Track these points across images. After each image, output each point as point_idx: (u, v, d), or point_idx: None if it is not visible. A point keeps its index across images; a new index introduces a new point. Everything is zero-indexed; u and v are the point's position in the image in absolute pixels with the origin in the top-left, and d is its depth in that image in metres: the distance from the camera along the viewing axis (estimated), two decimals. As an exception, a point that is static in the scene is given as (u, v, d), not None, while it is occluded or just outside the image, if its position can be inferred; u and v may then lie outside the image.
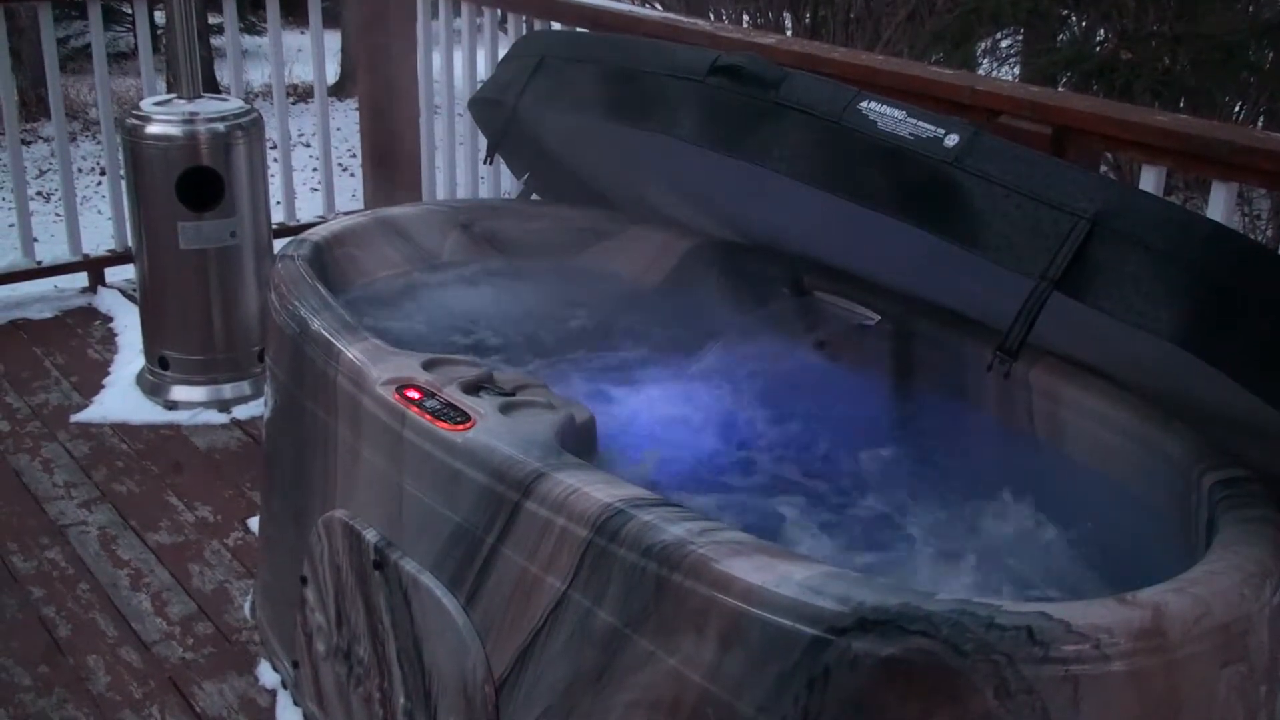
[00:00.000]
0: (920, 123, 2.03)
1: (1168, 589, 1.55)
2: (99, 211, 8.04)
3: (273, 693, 2.62)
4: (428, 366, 2.12)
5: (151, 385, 3.87)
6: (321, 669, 2.34)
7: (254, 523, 3.18)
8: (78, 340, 4.29)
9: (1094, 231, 1.83)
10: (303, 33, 6.49)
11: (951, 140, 1.99)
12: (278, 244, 3.65)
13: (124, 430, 3.69)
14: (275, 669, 2.64)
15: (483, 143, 3.07)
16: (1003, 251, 1.90)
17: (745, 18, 8.48)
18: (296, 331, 2.32)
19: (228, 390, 3.85)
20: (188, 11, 3.67)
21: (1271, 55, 7.30)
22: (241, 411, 3.79)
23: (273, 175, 4.17)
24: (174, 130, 3.64)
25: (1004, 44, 8.91)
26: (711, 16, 8.28)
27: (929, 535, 2.04)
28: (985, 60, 8.76)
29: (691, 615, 1.61)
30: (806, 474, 2.25)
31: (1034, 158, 1.98)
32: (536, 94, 2.65)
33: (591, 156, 2.91)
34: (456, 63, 4.54)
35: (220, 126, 3.67)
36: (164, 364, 3.84)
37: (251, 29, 12.37)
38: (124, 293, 4.60)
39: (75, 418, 3.75)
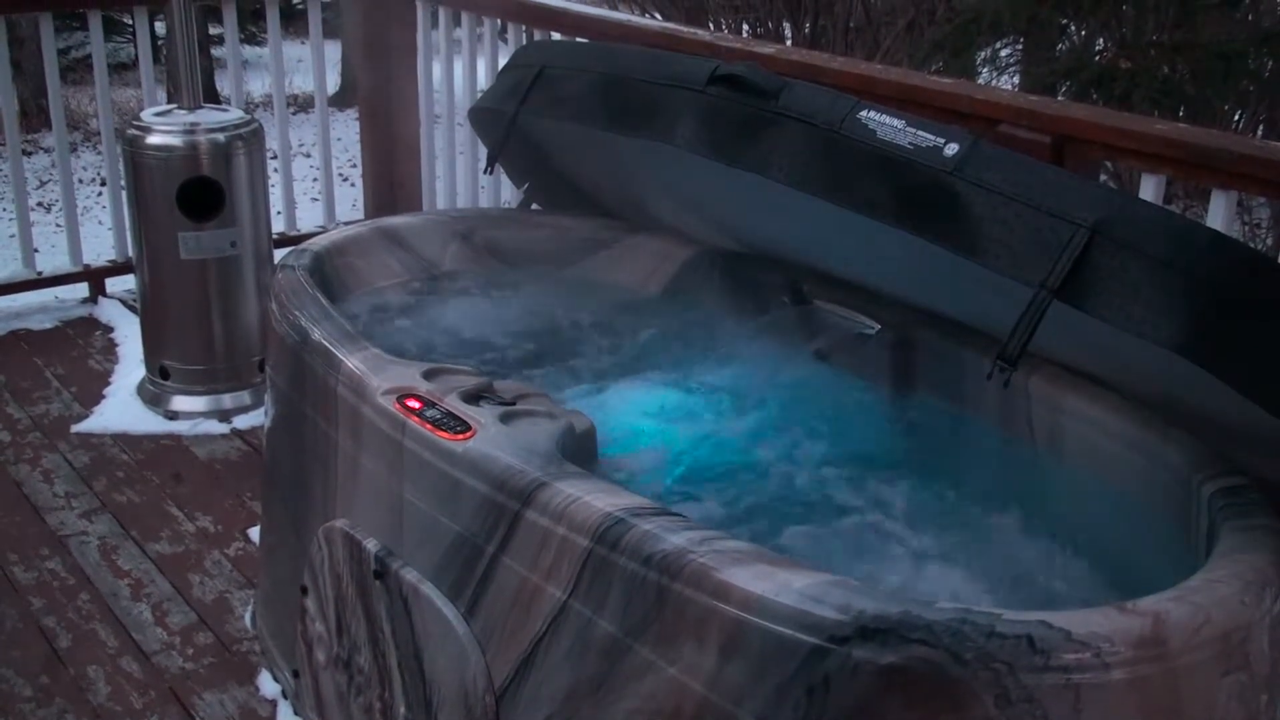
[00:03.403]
0: (920, 132, 2.04)
1: (1168, 597, 1.55)
2: (100, 222, 8.04)
3: (273, 702, 2.62)
4: (428, 376, 2.13)
5: (152, 395, 3.87)
6: (322, 678, 2.34)
7: (254, 532, 3.18)
8: (78, 350, 4.29)
9: (1094, 240, 1.83)
10: (303, 43, 6.50)
11: (951, 149, 1.99)
12: (278, 254, 3.65)
13: (124, 440, 3.69)
14: (276, 679, 2.64)
15: (483, 152, 3.07)
16: (1002, 260, 1.90)
17: (745, 27, 8.50)
18: (297, 341, 2.32)
19: (228, 400, 3.85)
20: (188, 22, 3.68)
21: (1271, 64, 7.29)
22: (242, 421, 3.79)
23: (273, 185, 4.17)
24: (174, 140, 3.65)
25: (1003, 53, 8.91)
26: (711, 26, 8.29)
27: (929, 544, 2.04)
28: (984, 69, 8.76)
29: (692, 624, 1.61)
30: (806, 483, 2.25)
31: (1033, 166, 1.99)
32: (536, 104, 2.66)
33: (591, 166, 2.92)
34: (457, 72, 4.55)
35: (220, 137, 3.68)
36: (164, 374, 3.84)
37: (252, 39, 12.39)
38: (124, 303, 4.61)
39: (76, 428, 3.75)
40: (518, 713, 1.87)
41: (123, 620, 2.89)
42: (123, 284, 4.69)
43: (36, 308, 4.60)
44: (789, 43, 8.07)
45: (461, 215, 3.17)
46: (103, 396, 3.95)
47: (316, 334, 2.29)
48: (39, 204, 9.54)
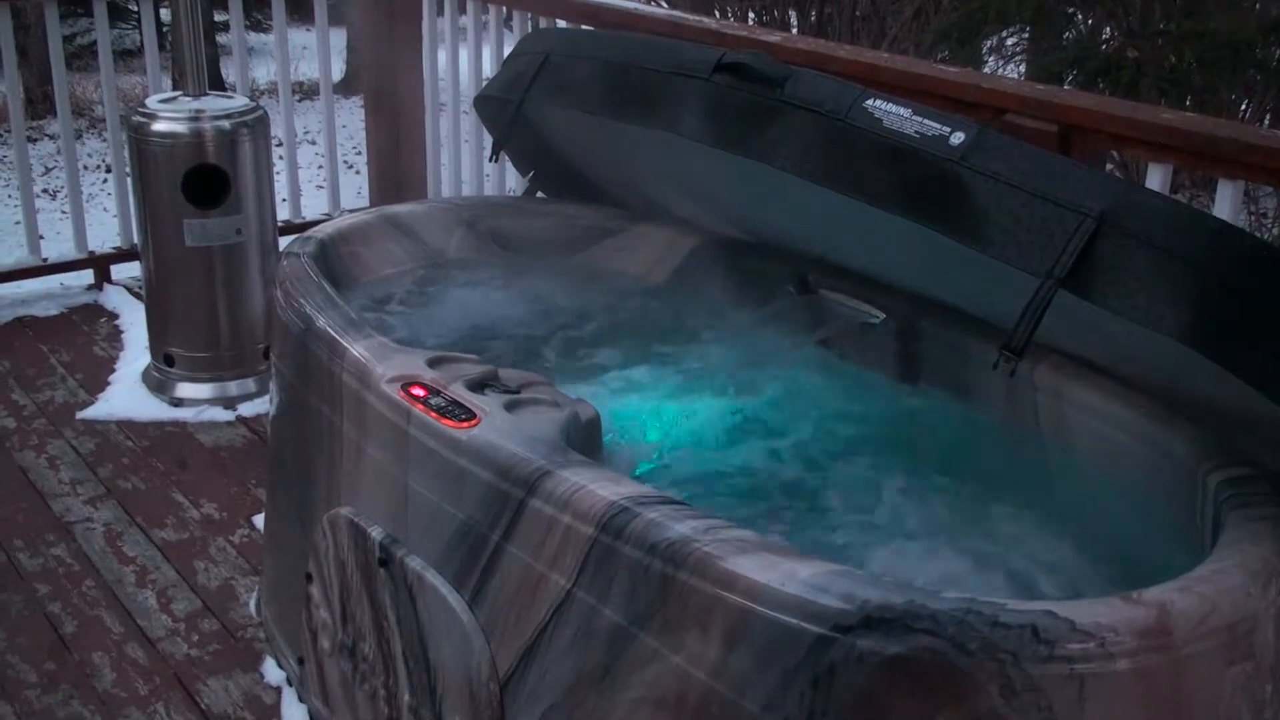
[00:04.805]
0: (926, 121, 2.03)
1: (1173, 588, 1.55)
2: (105, 209, 8.04)
3: (278, 689, 2.62)
4: (433, 364, 2.13)
5: (157, 382, 3.88)
6: (327, 666, 2.34)
7: (259, 520, 3.18)
8: (84, 337, 4.30)
9: (1100, 230, 1.83)
10: (308, 30, 6.49)
11: (957, 138, 1.98)
12: (283, 241, 3.65)
13: (130, 427, 3.70)
14: (280, 666, 2.65)
15: (488, 140, 3.07)
16: (1008, 250, 1.90)
17: (750, 15, 8.48)
18: (302, 329, 2.32)
19: (233, 387, 3.85)
20: (193, 9, 3.67)
21: (1278, 53, 7.28)
22: (247, 408, 3.80)
23: (278, 173, 4.17)
24: (180, 128, 3.64)
25: (1010, 42, 8.90)
26: (717, 14, 8.27)
27: (934, 534, 2.04)
28: (991, 58, 8.75)
29: (696, 613, 1.61)
30: (810, 471, 2.25)
31: (1040, 156, 1.98)
32: (541, 92, 2.66)
33: (596, 154, 2.91)
34: (462, 60, 4.54)
35: (226, 124, 3.67)
36: (169, 361, 3.84)
37: (257, 26, 12.37)
38: (130, 290, 4.61)
39: (81, 415, 3.76)
40: (522, 701, 1.87)
41: (128, 607, 2.89)
42: (128, 271, 4.69)
43: (42, 294, 4.60)
44: (795, 31, 8.05)
45: (466, 203, 3.17)
46: (108, 383, 3.95)
47: (321, 321, 2.29)
48: (44, 191, 9.54)
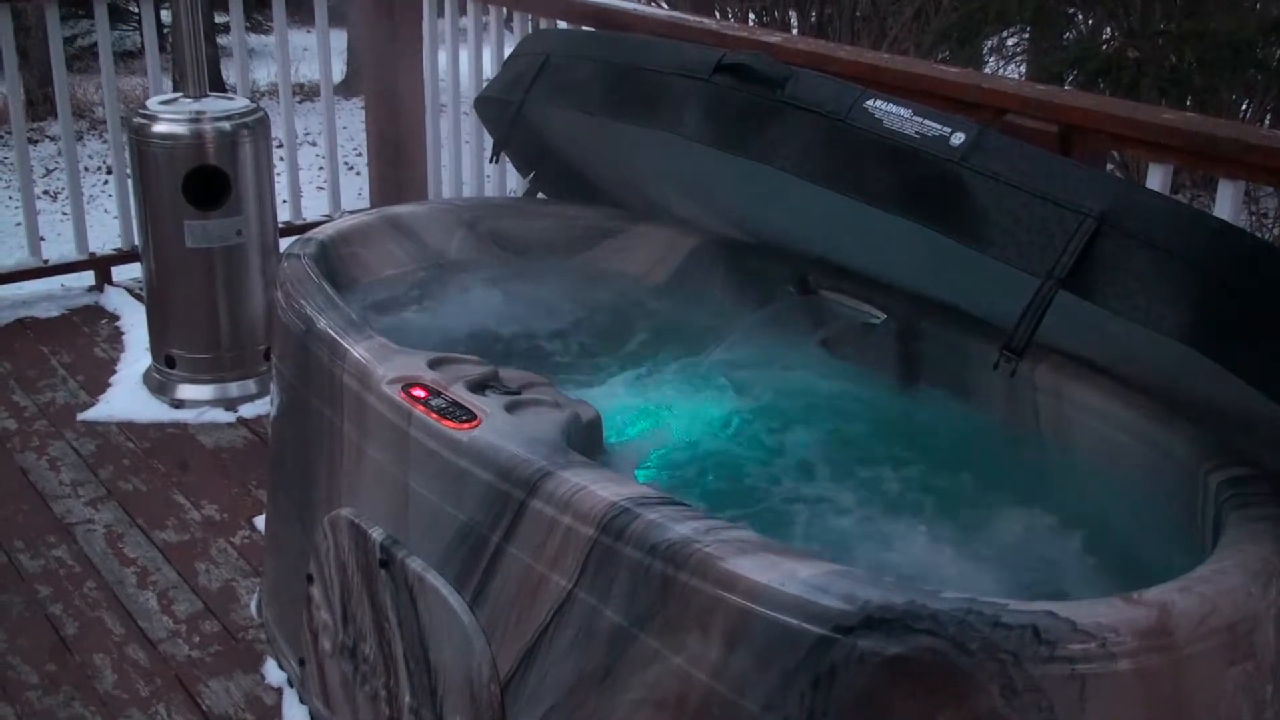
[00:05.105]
0: (926, 121, 2.03)
1: (1174, 588, 1.55)
2: (105, 210, 8.05)
3: (279, 690, 2.62)
4: (433, 365, 2.13)
5: (158, 384, 3.88)
6: (327, 667, 2.34)
7: (260, 521, 3.18)
8: (84, 339, 4.30)
9: (1100, 230, 1.83)
10: (309, 31, 6.49)
11: (958, 139, 1.99)
12: (284, 243, 3.66)
13: (130, 429, 3.70)
14: (281, 667, 2.65)
15: (488, 141, 3.07)
16: (1009, 250, 1.90)
17: (750, 16, 8.48)
18: (302, 330, 2.32)
19: (234, 389, 3.85)
20: (193, 10, 3.67)
21: (1278, 53, 7.28)
22: (248, 410, 3.80)
23: (279, 174, 4.17)
24: (180, 129, 3.64)
25: (1010, 42, 8.90)
26: (717, 15, 8.27)
27: (934, 533, 2.04)
28: (992, 58, 8.75)
29: (697, 614, 1.61)
30: (810, 472, 2.25)
31: (1040, 156, 1.98)
32: (542, 93, 2.66)
33: (597, 155, 2.92)
34: (463, 61, 4.54)
35: (226, 125, 3.67)
36: (170, 362, 3.84)
37: (258, 28, 12.37)
38: (130, 291, 4.61)
39: (82, 416, 3.76)
40: (523, 702, 1.87)
41: (129, 608, 2.89)
42: (129, 272, 4.69)
43: (43, 296, 4.60)
44: (795, 31, 8.05)
45: (467, 204, 3.17)
46: (109, 385, 3.95)
47: (322, 323, 2.29)
48: (45, 192, 9.54)
